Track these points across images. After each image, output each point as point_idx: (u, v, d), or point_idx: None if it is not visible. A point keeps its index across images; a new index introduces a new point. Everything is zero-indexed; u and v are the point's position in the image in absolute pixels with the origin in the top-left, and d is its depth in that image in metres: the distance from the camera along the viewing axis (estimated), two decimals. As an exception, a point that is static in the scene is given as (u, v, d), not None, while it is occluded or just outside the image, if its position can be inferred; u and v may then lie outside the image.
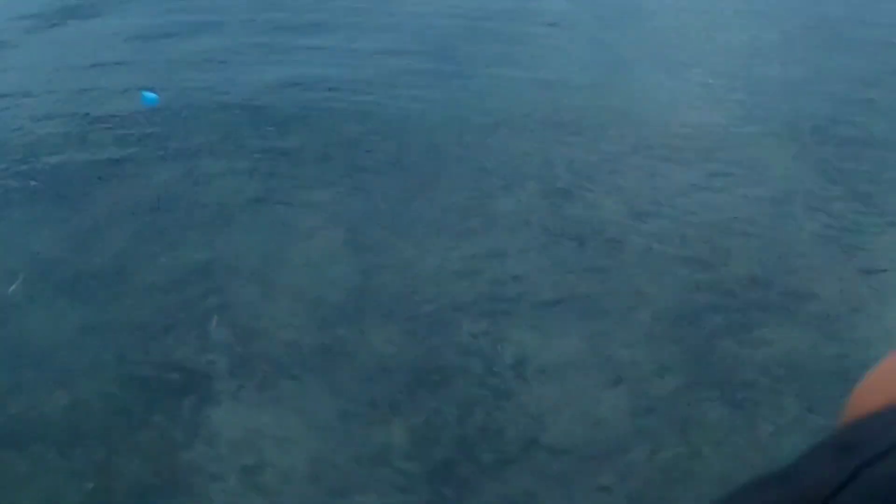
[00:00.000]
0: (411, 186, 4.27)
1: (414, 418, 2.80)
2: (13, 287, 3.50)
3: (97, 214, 4.04)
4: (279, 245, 3.78)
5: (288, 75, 5.72)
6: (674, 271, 3.58)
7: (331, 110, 5.20)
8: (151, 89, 3.30)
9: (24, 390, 2.95)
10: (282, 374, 3.01)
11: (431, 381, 2.96)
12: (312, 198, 4.17)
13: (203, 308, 3.35)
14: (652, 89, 5.52)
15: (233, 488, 2.56)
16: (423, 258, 3.67)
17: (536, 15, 6.93)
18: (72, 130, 4.93)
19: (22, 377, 3.01)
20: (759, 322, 3.27)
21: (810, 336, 3.19)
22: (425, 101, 5.32)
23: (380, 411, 2.83)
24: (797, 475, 0.38)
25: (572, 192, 4.22)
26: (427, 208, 4.06)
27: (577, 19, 6.86)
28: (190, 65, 5.88)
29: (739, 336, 3.19)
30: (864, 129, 4.95)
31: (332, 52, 6.18)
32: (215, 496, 2.53)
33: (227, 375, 3.01)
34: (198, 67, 5.85)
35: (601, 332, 3.21)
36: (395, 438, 2.72)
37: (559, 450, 2.67)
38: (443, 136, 4.84)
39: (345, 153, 4.62)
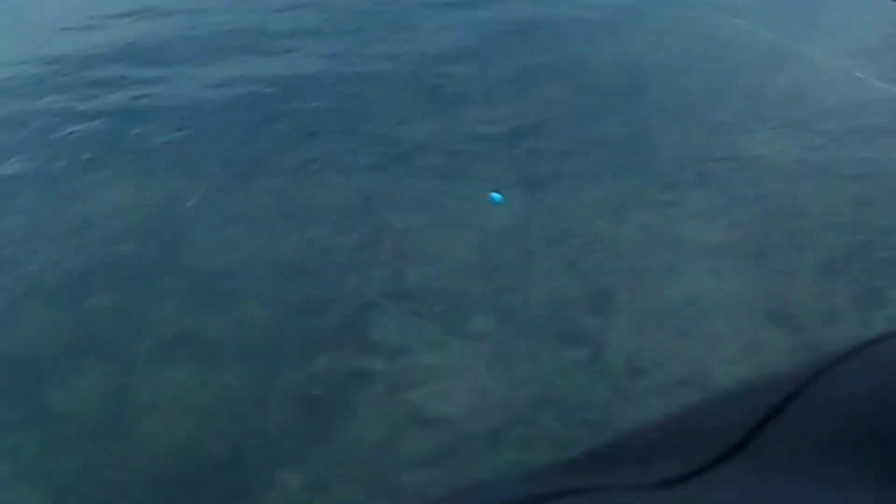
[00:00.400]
0: (579, 125, 4.29)
1: (579, 348, 2.83)
2: (193, 201, 3.72)
3: (271, 145, 4.30)
4: (446, 177, 3.89)
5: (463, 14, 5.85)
6: (844, 216, 3.43)
7: (503, 45, 5.28)
8: (498, 191, 3.64)
9: (196, 309, 3.13)
10: (447, 303, 3.08)
11: (595, 315, 2.98)
12: (481, 133, 4.25)
13: (370, 237, 3.47)
14: (828, 27, 5.19)
15: (396, 413, 2.60)
16: (588, 193, 3.68)
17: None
18: (247, 62, 5.32)
19: (194, 297, 3.20)
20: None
21: None
22: (600, 39, 5.32)
23: (545, 341, 2.86)
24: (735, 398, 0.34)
25: (742, 128, 4.11)
26: (594, 145, 4.07)
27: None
28: (369, 18, 6.15)
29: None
30: None
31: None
32: (376, 418, 2.60)
33: (390, 305, 3.08)
34: (377, 18, 6.11)
35: (769, 272, 3.15)
36: (560, 370, 2.74)
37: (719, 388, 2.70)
38: (615, 75, 4.83)
39: (514, 90, 4.69)
